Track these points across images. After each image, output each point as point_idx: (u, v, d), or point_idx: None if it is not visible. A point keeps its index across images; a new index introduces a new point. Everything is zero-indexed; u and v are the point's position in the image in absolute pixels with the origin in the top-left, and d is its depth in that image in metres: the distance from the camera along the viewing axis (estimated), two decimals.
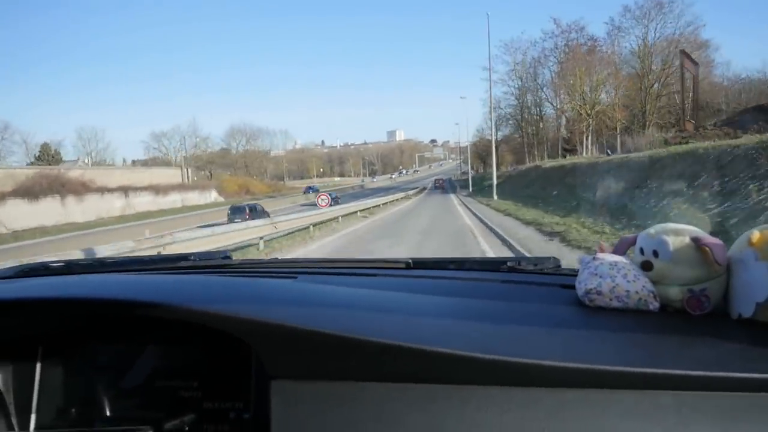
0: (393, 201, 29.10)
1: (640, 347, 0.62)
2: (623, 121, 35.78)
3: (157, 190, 38.86)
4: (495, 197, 25.81)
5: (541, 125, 47.24)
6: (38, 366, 0.84)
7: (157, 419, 0.75)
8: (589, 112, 36.16)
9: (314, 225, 14.02)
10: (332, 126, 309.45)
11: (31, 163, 44.38)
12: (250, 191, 53.62)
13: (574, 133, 39.07)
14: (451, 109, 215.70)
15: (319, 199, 17.25)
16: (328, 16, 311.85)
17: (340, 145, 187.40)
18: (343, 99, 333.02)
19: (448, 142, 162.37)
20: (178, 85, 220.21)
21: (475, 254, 8.39)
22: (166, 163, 57.81)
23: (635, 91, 36.88)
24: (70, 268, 1.19)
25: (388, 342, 0.59)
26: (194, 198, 43.34)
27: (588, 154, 33.40)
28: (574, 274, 0.90)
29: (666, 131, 26.70)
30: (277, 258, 2.09)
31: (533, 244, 8.97)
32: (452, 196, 36.54)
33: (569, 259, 4.17)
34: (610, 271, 0.75)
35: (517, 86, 47.75)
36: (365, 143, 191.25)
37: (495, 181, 29.39)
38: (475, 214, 17.76)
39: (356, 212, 19.25)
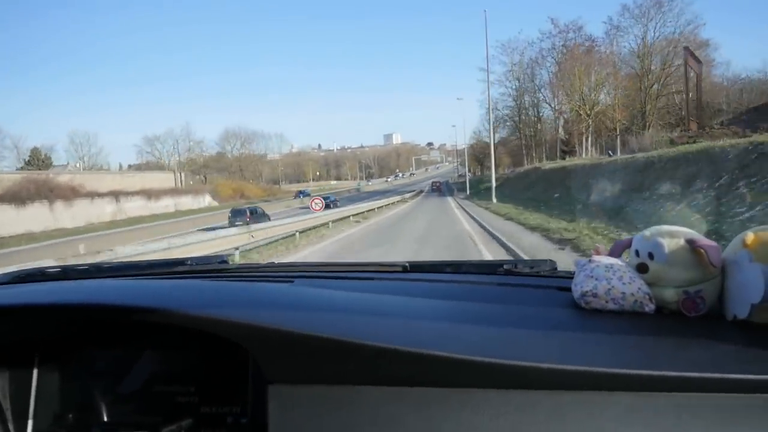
0: (388, 205, 28.09)
1: (636, 349, 0.62)
2: (624, 122, 35.00)
3: (149, 194, 38.12)
4: (494, 200, 24.96)
5: (539, 126, 46.55)
6: (35, 372, 0.84)
7: (154, 424, 0.75)
8: (588, 112, 35.43)
9: (300, 232, 12.88)
10: (329, 129, 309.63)
11: (21, 168, 43.31)
12: (245, 195, 52.86)
13: (573, 134, 38.38)
14: (448, 111, 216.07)
15: (313, 203, 16.73)
16: (325, 19, 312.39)
17: (337, 149, 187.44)
18: (340, 102, 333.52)
19: (445, 145, 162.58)
20: (173, 88, 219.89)
21: None
22: (161, 168, 56.62)
23: (635, 91, 36.31)
24: (66, 273, 1.18)
25: (385, 346, 0.60)
26: (187, 202, 42.67)
27: (587, 155, 32.67)
28: (570, 276, 0.91)
29: (667, 131, 25.91)
30: (273, 262, 2.03)
31: (542, 253, 7.90)
32: (449, 199, 35.86)
33: None
34: (605, 274, 0.75)
35: (514, 87, 47.43)
36: (362, 147, 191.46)
37: (494, 183, 28.29)
38: (474, 219, 16.89)
39: (348, 217, 18.43)
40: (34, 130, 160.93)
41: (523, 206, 19.17)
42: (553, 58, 42.80)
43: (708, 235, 0.76)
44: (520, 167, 41.90)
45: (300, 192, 55.42)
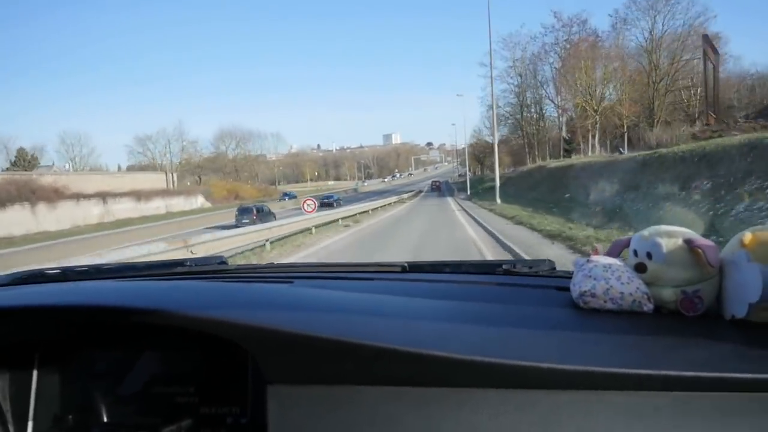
0: (384, 206, 26.51)
1: (635, 349, 0.63)
2: (632, 117, 33.27)
3: (138, 195, 37.09)
4: (498, 201, 23.39)
5: (541, 124, 44.80)
6: (35, 373, 0.85)
7: (154, 425, 0.76)
8: (596, 108, 33.61)
9: (271, 242, 10.99)
10: (328, 130, 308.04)
11: (7, 169, 41.55)
12: (240, 196, 51.71)
13: (576, 132, 36.62)
14: (448, 111, 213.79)
15: (305, 204, 15.57)
16: (323, 18, 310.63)
17: (336, 149, 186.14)
18: (339, 102, 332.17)
19: (444, 144, 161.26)
20: (170, 88, 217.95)
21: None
22: (154, 169, 54.74)
23: (643, 86, 34.76)
24: (65, 275, 1.20)
25: (385, 346, 0.60)
26: (179, 204, 41.73)
27: (594, 152, 30.87)
28: (568, 276, 0.92)
29: (679, 127, 24.10)
30: (273, 262, 2.03)
31: None
32: (450, 200, 34.58)
33: None
34: (604, 274, 0.76)
35: (516, 83, 46.17)
36: (361, 147, 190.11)
37: (498, 183, 26.49)
38: (478, 223, 15.20)
39: (338, 220, 16.93)
40: (25, 131, 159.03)
41: (531, 208, 17.62)
42: (556, 53, 41.89)
43: None
44: (522, 166, 40.52)
45: (285, 194, 53.18)
